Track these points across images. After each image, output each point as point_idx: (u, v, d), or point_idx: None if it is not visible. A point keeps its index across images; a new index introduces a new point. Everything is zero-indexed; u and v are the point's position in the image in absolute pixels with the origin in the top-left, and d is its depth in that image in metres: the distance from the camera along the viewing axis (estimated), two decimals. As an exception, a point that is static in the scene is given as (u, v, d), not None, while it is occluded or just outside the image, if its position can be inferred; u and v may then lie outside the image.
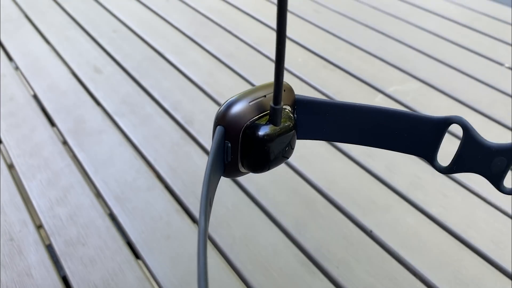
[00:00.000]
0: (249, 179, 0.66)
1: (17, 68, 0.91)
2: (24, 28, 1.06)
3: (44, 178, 0.65)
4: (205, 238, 0.21)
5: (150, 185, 0.65)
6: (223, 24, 1.10)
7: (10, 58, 0.95)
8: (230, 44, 1.02)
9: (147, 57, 0.96)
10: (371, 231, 0.59)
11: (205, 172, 0.25)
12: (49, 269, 0.53)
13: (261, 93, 0.29)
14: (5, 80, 0.87)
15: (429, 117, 0.30)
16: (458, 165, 0.29)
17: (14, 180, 0.65)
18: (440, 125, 0.29)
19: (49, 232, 0.58)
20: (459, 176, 0.68)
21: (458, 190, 0.66)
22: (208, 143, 0.72)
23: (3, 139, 0.72)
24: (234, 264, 0.55)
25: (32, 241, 0.56)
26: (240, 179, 0.66)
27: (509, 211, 0.63)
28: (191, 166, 0.69)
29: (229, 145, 0.28)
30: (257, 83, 0.84)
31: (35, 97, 0.83)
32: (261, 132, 0.28)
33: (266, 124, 0.28)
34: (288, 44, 1.00)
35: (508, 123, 0.79)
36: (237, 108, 0.27)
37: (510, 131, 0.78)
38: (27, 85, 0.86)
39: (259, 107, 0.28)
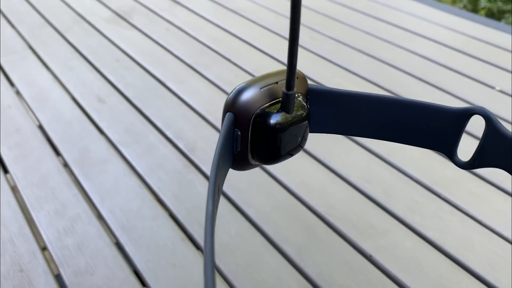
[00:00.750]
0: (248, 204, 0.68)
1: (22, 99, 0.94)
2: (29, 59, 1.09)
3: (52, 208, 0.67)
4: (212, 222, 0.20)
5: (155, 213, 0.67)
6: (222, 52, 1.13)
7: (15, 89, 0.97)
8: (229, 72, 1.05)
9: (148, 86, 0.99)
10: (370, 256, 0.61)
11: (213, 158, 0.23)
12: (59, 300, 0.55)
13: (272, 80, 0.27)
14: (11, 111, 0.89)
15: (449, 108, 0.28)
16: (480, 159, 0.28)
17: (22, 210, 0.67)
18: (461, 117, 0.27)
19: (57, 262, 0.59)
20: (454, 199, 0.70)
21: (454, 213, 0.68)
22: (210, 171, 0.74)
23: (11, 170, 0.74)
24: (238, 291, 0.56)
25: (41, 272, 0.58)
26: (240, 203, 0.68)
27: (504, 233, 0.65)
28: (194, 194, 0.71)
29: (239, 133, 0.27)
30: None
31: (41, 127, 0.85)
32: (273, 120, 0.26)
33: (278, 112, 0.26)
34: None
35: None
36: (247, 95, 0.26)
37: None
38: (33, 116, 0.89)
39: (271, 94, 0.27)
